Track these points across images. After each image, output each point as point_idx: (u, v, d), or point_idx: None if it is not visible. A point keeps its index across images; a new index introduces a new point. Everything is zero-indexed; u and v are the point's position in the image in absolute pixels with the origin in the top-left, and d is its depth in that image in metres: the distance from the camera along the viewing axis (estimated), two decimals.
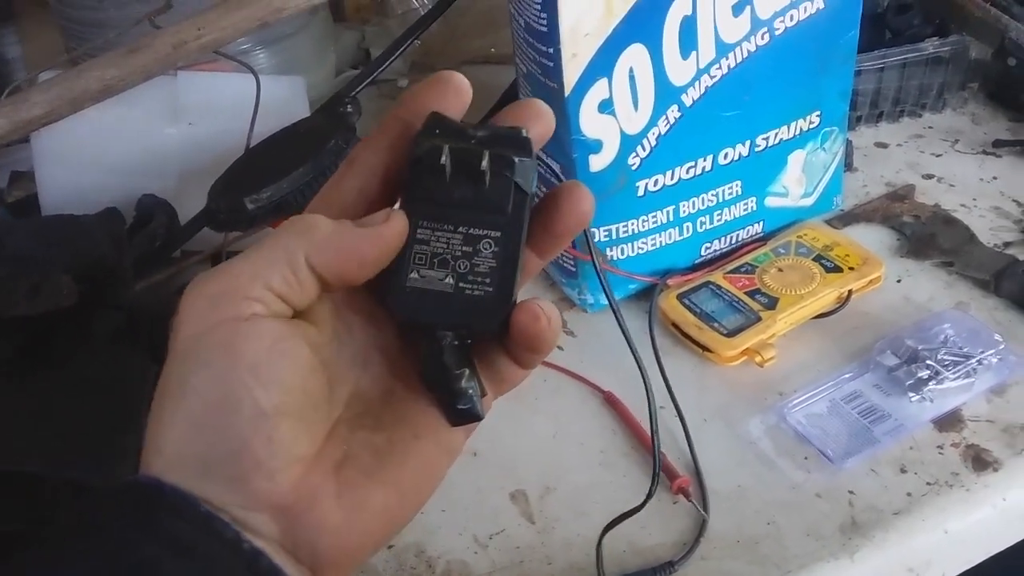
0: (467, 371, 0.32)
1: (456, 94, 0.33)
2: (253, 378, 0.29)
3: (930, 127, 0.88)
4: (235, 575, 0.29)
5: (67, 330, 0.58)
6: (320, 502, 0.31)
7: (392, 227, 0.31)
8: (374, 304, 0.33)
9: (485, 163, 0.31)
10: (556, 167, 0.67)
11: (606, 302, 0.71)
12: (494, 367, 0.34)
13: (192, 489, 0.29)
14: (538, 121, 0.34)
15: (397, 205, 0.32)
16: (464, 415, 0.32)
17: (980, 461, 0.56)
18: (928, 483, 0.56)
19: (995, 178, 0.81)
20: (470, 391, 0.32)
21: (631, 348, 0.51)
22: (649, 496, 0.53)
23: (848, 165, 0.81)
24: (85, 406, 0.56)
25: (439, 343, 0.32)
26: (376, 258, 0.31)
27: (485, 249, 0.32)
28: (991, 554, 0.57)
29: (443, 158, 0.31)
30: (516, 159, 0.32)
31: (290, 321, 0.31)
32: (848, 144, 0.79)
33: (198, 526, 0.29)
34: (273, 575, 0.29)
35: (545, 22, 0.59)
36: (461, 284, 0.32)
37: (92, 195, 0.73)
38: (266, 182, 0.65)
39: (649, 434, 0.59)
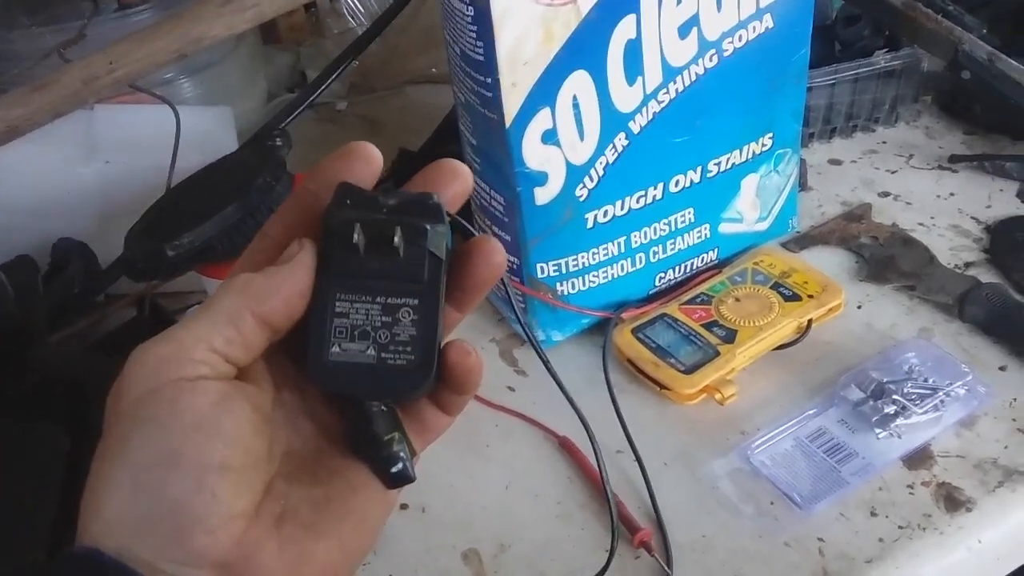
0: (396, 435, 0.33)
1: (366, 164, 0.33)
2: (198, 433, 0.29)
3: (884, 142, 0.86)
4: None
5: None
6: (262, 557, 0.30)
7: (306, 250, 0.32)
8: (300, 373, 0.34)
9: (398, 238, 0.31)
10: (501, 200, 0.64)
11: (558, 339, 0.69)
12: (420, 418, 0.35)
13: (130, 548, 0.28)
14: (453, 182, 0.34)
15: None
16: (398, 478, 0.33)
17: (952, 500, 0.54)
18: (900, 527, 0.53)
19: (952, 194, 0.79)
20: (401, 454, 0.33)
21: (570, 403, 0.49)
22: (607, 565, 0.50)
23: (802, 185, 0.79)
24: None
25: (366, 412, 0.32)
26: (309, 285, 0.32)
27: (404, 318, 0.32)
28: None
29: (356, 235, 0.31)
30: (428, 228, 0.32)
31: (232, 382, 0.31)
32: (802, 163, 0.77)
33: None
34: None
35: (482, 50, 0.55)
36: (383, 355, 0.32)
37: (3, 242, 0.68)
38: (188, 226, 0.60)
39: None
